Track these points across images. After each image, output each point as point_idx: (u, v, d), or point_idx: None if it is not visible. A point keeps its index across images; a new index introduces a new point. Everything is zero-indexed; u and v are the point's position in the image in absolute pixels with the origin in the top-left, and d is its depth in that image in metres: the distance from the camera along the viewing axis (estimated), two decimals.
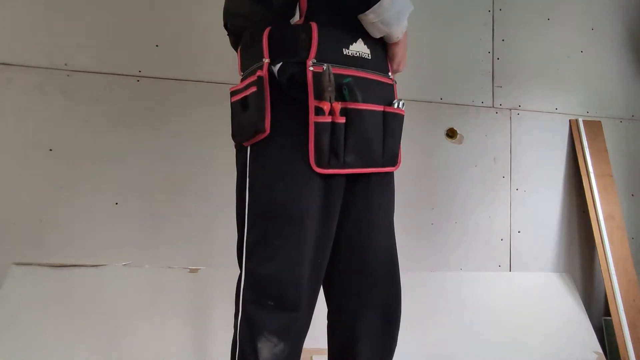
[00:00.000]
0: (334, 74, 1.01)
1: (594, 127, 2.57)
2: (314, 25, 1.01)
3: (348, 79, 1.03)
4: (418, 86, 2.37)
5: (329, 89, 0.99)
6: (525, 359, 2.09)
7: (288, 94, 1.01)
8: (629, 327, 2.25)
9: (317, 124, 0.99)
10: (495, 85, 2.49)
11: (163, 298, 1.89)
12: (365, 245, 1.14)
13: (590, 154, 2.50)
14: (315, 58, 1.01)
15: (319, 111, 0.99)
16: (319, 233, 1.05)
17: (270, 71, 1.01)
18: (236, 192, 1.12)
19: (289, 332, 1.05)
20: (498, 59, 2.50)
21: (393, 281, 1.18)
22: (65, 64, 1.95)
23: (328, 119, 1.00)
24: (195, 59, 2.09)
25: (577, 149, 2.53)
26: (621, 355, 2.21)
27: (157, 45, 2.06)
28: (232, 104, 1.12)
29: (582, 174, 2.49)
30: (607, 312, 2.37)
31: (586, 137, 2.53)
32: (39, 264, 1.84)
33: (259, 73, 1.02)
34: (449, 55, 2.43)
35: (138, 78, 2.03)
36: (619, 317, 2.26)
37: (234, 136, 1.12)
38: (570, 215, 2.53)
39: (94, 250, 1.92)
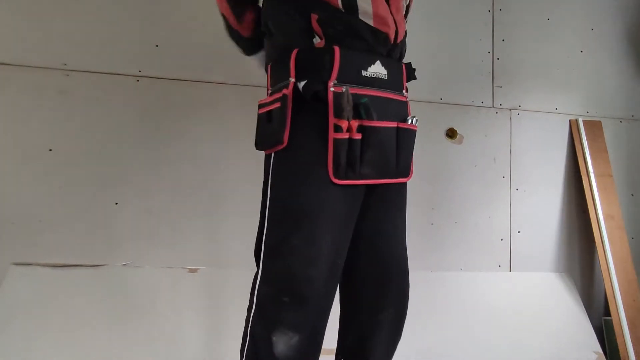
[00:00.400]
0: (352, 94, 1.10)
1: (594, 127, 2.57)
2: (336, 49, 1.11)
3: (365, 99, 1.11)
4: (418, 86, 2.36)
5: (347, 108, 1.08)
6: (525, 359, 2.09)
7: (312, 108, 1.11)
8: (629, 327, 2.25)
9: (335, 140, 1.09)
10: (495, 85, 2.49)
11: (163, 298, 1.89)
12: (384, 246, 1.25)
13: (590, 154, 2.50)
14: (337, 79, 1.10)
15: (337, 128, 1.09)
16: (337, 235, 1.14)
17: (295, 88, 1.11)
18: (262, 193, 1.22)
19: (305, 325, 1.11)
20: (498, 59, 2.50)
21: (405, 278, 1.30)
22: (65, 64, 1.95)
23: (346, 136, 1.09)
24: (195, 59, 2.08)
25: (577, 149, 2.53)
26: (621, 355, 2.21)
27: (157, 45, 2.05)
28: (258, 115, 1.22)
29: (582, 174, 2.49)
30: (607, 312, 2.37)
31: (586, 137, 2.53)
32: (38, 264, 1.84)
33: (284, 91, 1.12)
34: (449, 55, 2.43)
35: (138, 78, 2.02)
36: (619, 317, 2.26)
37: (257, 144, 1.22)
38: (570, 215, 2.53)
39: (93, 250, 1.92)
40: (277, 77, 1.19)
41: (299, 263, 1.09)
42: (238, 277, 1.88)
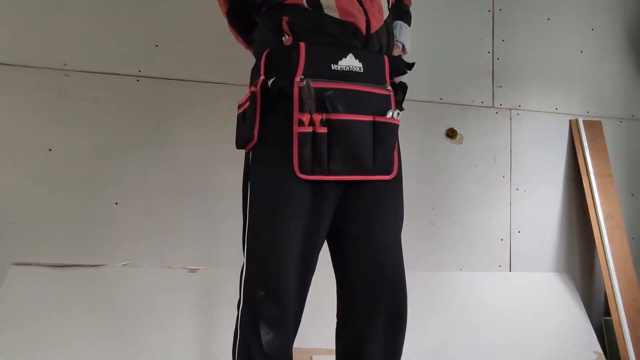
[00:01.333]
0: (318, 88, 1.11)
1: (594, 127, 2.57)
2: (302, 45, 1.13)
3: (330, 92, 1.11)
4: (418, 86, 2.36)
5: (309, 101, 1.10)
6: (525, 359, 2.09)
7: (281, 105, 1.13)
8: (629, 327, 2.25)
9: (299, 134, 1.10)
10: (495, 85, 2.49)
11: (162, 298, 1.88)
12: (374, 249, 1.20)
13: (590, 154, 2.50)
14: (303, 74, 1.12)
15: (300, 122, 1.10)
16: (307, 230, 1.14)
17: (264, 86, 1.13)
18: (242, 190, 1.25)
19: (278, 322, 1.13)
20: (498, 59, 2.50)
21: (400, 282, 1.22)
22: (65, 64, 1.95)
23: (309, 129, 1.10)
24: (195, 59, 2.08)
25: (577, 149, 2.53)
26: (621, 355, 2.21)
27: (157, 45, 2.05)
28: (237, 115, 1.27)
29: (582, 174, 2.49)
30: (607, 312, 2.37)
31: (586, 137, 2.53)
32: (38, 264, 1.84)
33: (252, 89, 1.16)
34: (449, 55, 2.43)
35: (138, 78, 2.02)
36: (619, 317, 2.26)
37: (236, 143, 1.26)
38: (570, 215, 2.53)
39: (93, 250, 1.92)
40: (252, 78, 1.24)
41: (268, 258, 1.13)
42: (238, 277, 1.88)
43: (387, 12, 1.26)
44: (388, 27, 1.27)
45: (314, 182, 1.13)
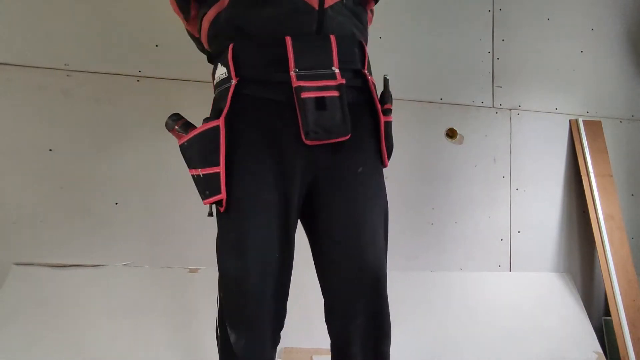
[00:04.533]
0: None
1: (594, 127, 2.57)
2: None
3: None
4: (418, 86, 2.37)
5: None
6: (525, 359, 2.09)
7: None
8: (629, 327, 2.25)
9: None
10: (495, 85, 2.49)
11: (163, 298, 1.89)
12: (348, 245, 1.12)
13: (590, 154, 2.50)
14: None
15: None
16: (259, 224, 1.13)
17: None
18: None
19: (240, 320, 1.10)
20: (498, 59, 2.50)
21: (377, 282, 1.14)
22: (66, 64, 1.95)
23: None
24: (195, 59, 2.08)
25: (577, 149, 2.53)
26: (621, 355, 2.21)
27: (157, 45, 2.05)
28: None
29: (582, 174, 2.49)
30: (607, 312, 2.37)
31: (586, 137, 2.53)
32: (39, 264, 1.84)
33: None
34: (449, 55, 2.43)
35: (138, 78, 2.02)
36: (619, 317, 2.26)
37: None
38: (570, 215, 2.53)
39: (93, 250, 1.92)
40: None
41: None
42: None
43: None
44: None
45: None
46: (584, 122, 2.57)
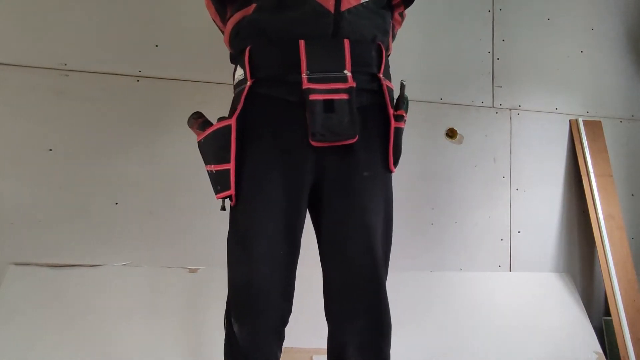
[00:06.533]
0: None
1: (594, 127, 2.57)
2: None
3: None
4: (418, 86, 2.36)
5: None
6: (525, 359, 2.09)
7: None
8: (629, 327, 2.24)
9: None
10: (495, 85, 2.49)
11: (162, 298, 1.88)
12: (349, 248, 1.14)
13: (590, 154, 2.50)
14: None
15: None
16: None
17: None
18: None
19: (243, 311, 1.13)
20: (498, 59, 2.50)
21: (377, 286, 1.15)
22: (64, 64, 1.95)
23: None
24: (195, 59, 2.08)
25: (577, 149, 2.53)
26: (621, 355, 2.21)
27: (157, 45, 2.05)
28: None
29: (582, 174, 2.49)
30: (607, 312, 2.37)
31: (586, 137, 2.53)
32: (37, 264, 1.84)
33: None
34: (449, 55, 2.43)
35: (138, 78, 2.02)
36: (619, 317, 2.26)
37: None
38: (570, 215, 2.53)
39: (93, 250, 1.91)
40: None
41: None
42: None
43: None
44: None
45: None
46: (584, 122, 2.57)
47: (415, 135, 2.32)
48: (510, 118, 2.50)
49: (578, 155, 2.52)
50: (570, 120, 2.58)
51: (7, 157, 1.87)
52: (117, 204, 1.96)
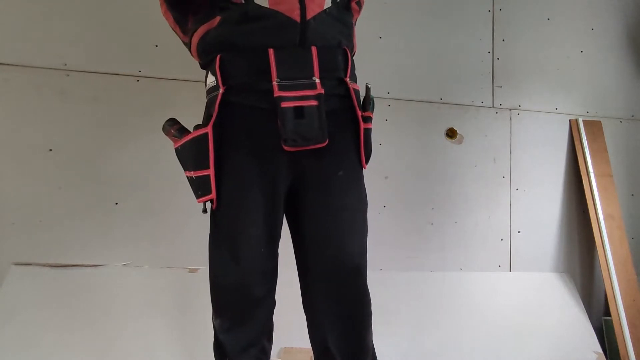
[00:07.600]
0: None
1: (594, 127, 2.57)
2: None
3: None
4: (418, 86, 2.36)
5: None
6: (525, 359, 2.09)
7: None
8: (629, 327, 2.25)
9: None
10: (495, 85, 2.49)
11: (163, 298, 1.89)
12: (322, 239, 1.21)
13: (590, 154, 2.50)
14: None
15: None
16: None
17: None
18: None
19: (229, 311, 1.25)
20: (498, 59, 2.50)
21: (356, 281, 1.22)
22: (65, 64, 1.95)
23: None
24: (195, 59, 2.08)
25: (577, 149, 2.53)
26: (621, 355, 2.21)
27: (156, 46, 2.05)
28: None
29: (582, 174, 2.49)
30: (607, 312, 2.37)
31: (586, 137, 2.53)
32: (38, 264, 1.84)
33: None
34: (449, 55, 2.43)
35: (137, 78, 2.02)
36: (619, 317, 2.26)
37: None
38: (570, 215, 2.53)
39: (93, 250, 1.92)
40: None
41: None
42: None
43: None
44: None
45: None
46: (584, 122, 2.57)
47: (416, 135, 2.32)
48: (510, 118, 2.50)
49: (578, 155, 2.52)
50: (570, 120, 2.58)
51: (8, 156, 1.87)
52: (117, 204, 1.96)
